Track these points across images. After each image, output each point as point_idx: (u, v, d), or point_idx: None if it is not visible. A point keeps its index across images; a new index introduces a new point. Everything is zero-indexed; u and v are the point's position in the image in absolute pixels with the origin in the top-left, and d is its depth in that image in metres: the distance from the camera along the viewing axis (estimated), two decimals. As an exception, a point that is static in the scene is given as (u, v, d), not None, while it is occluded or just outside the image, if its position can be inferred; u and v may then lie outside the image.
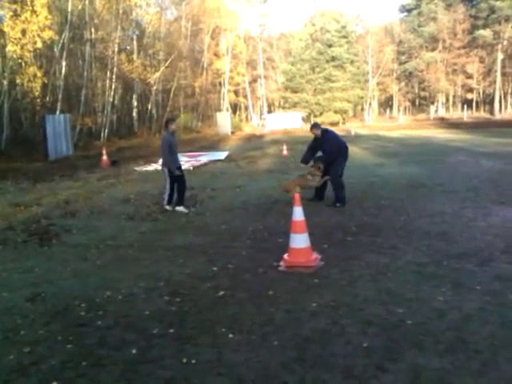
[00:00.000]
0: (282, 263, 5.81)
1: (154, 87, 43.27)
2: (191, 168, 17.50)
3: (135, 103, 42.85)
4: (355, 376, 3.36)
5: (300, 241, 5.71)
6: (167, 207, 10.02)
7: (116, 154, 25.14)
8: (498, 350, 3.59)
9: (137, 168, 18.59)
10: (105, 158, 20.61)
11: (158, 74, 42.55)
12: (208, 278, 5.55)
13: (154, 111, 44.63)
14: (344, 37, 58.31)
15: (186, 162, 19.39)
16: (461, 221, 7.86)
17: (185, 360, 3.70)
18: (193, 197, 11.23)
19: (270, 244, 6.93)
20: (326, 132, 9.96)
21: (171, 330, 4.22)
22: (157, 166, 19.03)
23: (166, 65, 43.45)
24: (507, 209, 8.63)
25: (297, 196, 5.83)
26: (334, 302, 4.67)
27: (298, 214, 5.78)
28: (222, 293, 5.07)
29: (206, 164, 19.18)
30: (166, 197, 10.04)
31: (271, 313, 4.49)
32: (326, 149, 9.73)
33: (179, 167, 10.15)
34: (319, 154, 10.06)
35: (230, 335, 4.06)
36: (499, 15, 58.01)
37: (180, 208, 9.83)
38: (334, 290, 4.98)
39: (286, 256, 5.83)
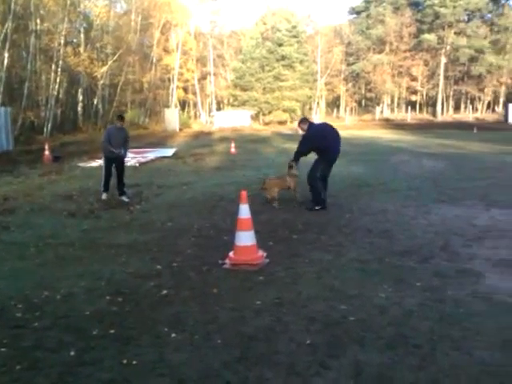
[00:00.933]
0: (227, 261, 5.77)
1: (101, 81, 42.28)
2: (137, 164, 17.21)
3: (81, 97, 41.76)
4: (298, 373, 3.36)
5: (245, 238, 5.69)
6: (103, 196, 10.58)
7: (59, 149, 24.37)
8: (437, 345, 3.67)
9: (80, 164, 18.09)
10: (47, 153, 19.92)
11: (105, 68, 41.60)
12: (151, 277, 5.44)
13: (100, 106, 43.63)
14: (294, 36, 58.77)
15: (132, 158, 19.04)
16: (403, 219, 8.05)
17: (125, 361, 3.59)
18: (138, 194, 11.04)
19: (215, 242, 6.87)
20: (309, 127, 9.02)
21: (112, 331, 4.10)
22: (100, 161, 18.60)
23: (114, 59, 42.55)
24: (447, 207, 8.91)
25: (243, 193, 5.79)
26: (278, 299, 4.67)
27: (244, 211, 5.76)
28: (165, 292, 4.97)
29: (152, 161, 18.88)
30: (102, 183, 10.76)
31: (215, 311, 4.44)
32: (299, 144, 9.06)
33: (112, 158, 10.62)
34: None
35: (173, 335, 3.98)
36: (443, 21, 60.07)
37: (121, 197, 10.55)
38: (279, 288, 4.98)
39: (231, 254, 5.79)
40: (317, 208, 8.68)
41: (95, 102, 43.11)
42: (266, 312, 4.38)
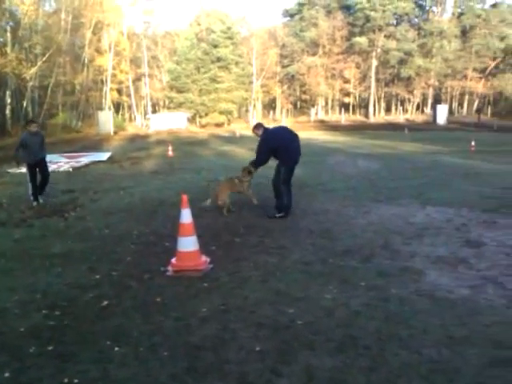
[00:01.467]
0: (169, 268, 5.60)
1: (30, 83, 40.61)
2: (71, 169, 16.59)
3: (9, 100, 39.89)
4: (250, 382, 3.28)
5: (188, 244, 5.54)
6: (34, 204, 10.31)
7: (-14, 154, 23.13)
8: (385, 345, 3.70)
9: (10, 170, 17.20)
10: (-28, 158, 18.89)
11: (34, 69, 39.96)
12: (90, 288, 5.19)
13: (29, 109, 41.85)
14: (229, 38, 58.83)
15: (65, 163, 18.39)
16: (343, 219, 8.15)
17: (66, 380, 3.39)
18: (73, 200, 10.60)
19: (156, 248, 6.67)
20: (264, 132, 8.52)
21: (50, 348, 3.85)
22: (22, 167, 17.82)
23: (44, 59, 40.94)
24: (384, 206, 9.11)
25: (184, 198, 5.64)
26: (224, 305, 4.57)
27: (186, 216, 5.60)
28: (105, 303, 4.75)
29: (87, 165, 18.27)
30: (29, 192, 10.57)
31: (159, 321, 4.28)
32: (257, 149, 8.49)
33: (34, 163, 10.56)
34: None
35: (116, 348, 3.79)
36: (373, 24, 61.98)
37: (41, 197, 10.60)
38: (224, 294, 4.88)
39: (173, 260, 5.63)
40: (277, 216, 8.22)
41: (24, 105, 41.33)
42: (212, 320, 4.27)
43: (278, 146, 8.27)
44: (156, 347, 3.79)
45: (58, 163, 18.37)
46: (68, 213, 9.37)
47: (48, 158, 19.65)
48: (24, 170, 17.10)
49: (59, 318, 4.42)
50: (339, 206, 9.16)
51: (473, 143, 21.16)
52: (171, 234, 7.00)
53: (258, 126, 8.80)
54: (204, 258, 5.72)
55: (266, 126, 8.92)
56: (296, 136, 8.69)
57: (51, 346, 3.88)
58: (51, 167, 17.20)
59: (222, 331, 4.04)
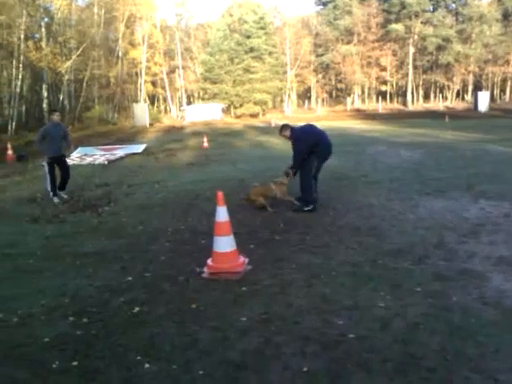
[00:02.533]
0: (205, 269, 5.21)
1: (66, 77, 40.96)
2: (106, 162, 16.44)
3: (45, 94, 40.33)
4: (296, 411, 2.84)
5: (224, 244, 5.13)
6: (55, 200, 9.91)
7: (24, 148, 23.30)
8: (452, 367, 3.20)
9: (46, 163, 17.19)
10: (10, 152, 19.00)
11: (69, 63, 40.27)
12: (121, 291, 4.85)
13: (66, 102, 42.25)
14: (262, 28, 58.08)
15: (100, 156, 18.29)
16: (389, 214, 7.60)
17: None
18: (107, 194, 10.36)
19: (191, 246, 6.29)
20: (292, 132, 8.23)
21: (75, 363, 3.50)
22: (69, 160, 17.79)
23: (78, 53, 41.21)
24: (433, 200, 8.50)
25: (220, 194, 5.22)
26: (265, 314, 4.14)
27: (222, 214, 5.18)
28: (137, 309, 4.39)
29: (122, 158, 18.11)
30: (48, 188, 10.12)
31: (195, 332, 3.88)
32: (294, 150, 8.14)
33: (56, 157, 10.16)
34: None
35: (146, 365, 3.40)
36: (410, 10, 60.22)
37: (61, 192, 10.16)
38: (265, 300, 4.45)
39: (209, 261, 5.23)
40: (306, 209, 7.87)
41: (61, 98, 41.75)
42: (253, 331, 3.85)
43: (315, 141, 8.11)
44: (190, 364, 3.39)
45: (94, 156, 18.30)
46: (102, 208, 9.11)
47: (83, 150, 19.82)
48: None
49: (87, 327, 4.07)
50: (384, 200, 8.60)
51: (520, 130, 20.11)
52: (207, 231, 6.64)
53: (285, 127, 8.40)
54: (242, 259, 5.29)
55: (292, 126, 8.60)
56: (323, 130, 8.64)
57: (76, 360, 3.53)
58: (86, 160, 17.21)
59: (264, 345, 3.61)
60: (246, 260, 5.36)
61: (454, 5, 64.57)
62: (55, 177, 10.20)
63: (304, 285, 4.78)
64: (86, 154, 18.72)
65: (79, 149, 20.04)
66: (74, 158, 18.14)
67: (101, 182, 12.00)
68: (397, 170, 12.20)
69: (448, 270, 5.04)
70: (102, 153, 19.00)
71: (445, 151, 15.99)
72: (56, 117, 10.23)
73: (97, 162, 16.63)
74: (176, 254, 5.98)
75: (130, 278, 5.20)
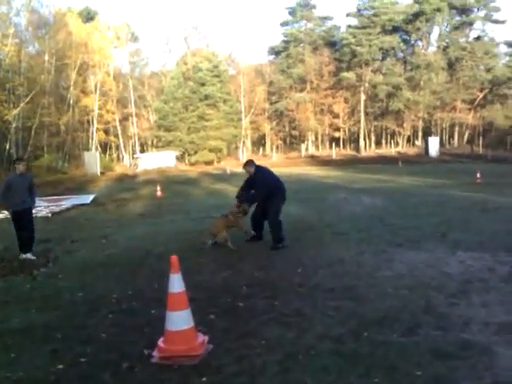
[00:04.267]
0: (155, 353, 4.22)
1: (14, 125, 39.41)
2: (49, 215, 15.18)
3: (-10, 142, 38.64)
4: None
5: (179, 320, 4.18)
6: (23, 257, 8.81)
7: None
8: None
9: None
10: None
11: (16, 111, 38.86)
12: (47, 387, 3.80)
13: (12, 151, 40.44)
14: (216, 76, 58.37)
15: (44, 207, 16.98)
16: (364, 271, 6.83)
17: None
18: (45, 252, 9.19)
19: (139, 319, 5.28)
20: (258, 170, 8.94)
21: None
22: (8, 213, 16.42)
23: (27, 101, 39.88)
24: (407, 252, 7.82)
25: (174, 259, 4.29)
26: (233, 420, 3.20)
27: (176, 283, 4.24)
28: (64, 416, 3.36)
29: (68, 209, 16.87)
30: (19, 245, 9.02)
31: None
32: (256, 189, 8.81)
33: (22, 210, 9.00)
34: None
35: None
36: (360, 59, 62.05)
37: (25, 255, 8.86)
38: (232, 396, 3.51)
39: (160, 342, 4.25)
40: (279, 246, 8.39)
41: (7, 147, 39.98)
42: None
43: (275, 184, 8.83)
44: None
45: (37, 208, 16.92)
46: (38, 269, 7.96)
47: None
48: (0, 215, 15.81)
49: None
50: (355, 254, 7.84)
51: (478, 175, 20.11)
52: (158, 297, 5.68)
53: (250, 162, 9.08)
54: (201, 338, 4.33)
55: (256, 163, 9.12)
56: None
57: None
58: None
59: None
60: (206, 338, 4.41)
61: (402, 53, 67.00)
62: (23, 232, 8.99)
63: (278, 371, 3.86)
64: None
65: (22, 200, 18.67)
66: (16, 210, 16.78)
67: (41, 238, 10.75)
68: (362, 218, 11.59)
69: (446, 343, 4.25)
70: (46, 204, 17.67)
71: (406, 197, 15.63)
72: (22, 166, 9.18)
73: (39, 214, 15.33)
74: (120, 330, 4.96)
75: (60, 367, 4.16)
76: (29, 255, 8.85)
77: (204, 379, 3.77)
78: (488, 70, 62.77)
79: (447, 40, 65.69)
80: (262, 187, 8.70)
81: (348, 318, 4.95)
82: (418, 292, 5.70)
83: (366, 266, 7.05)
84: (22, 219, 9.01)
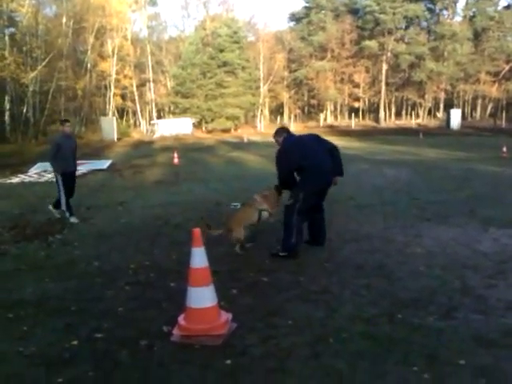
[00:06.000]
0: (175, 331, 3.95)
1: (30, 88, 39.19)
2: (66, 180, 14.95)
3: (8, 105, 38.47)
4: None
5: (202, 297, 3.89)
6: (72, 220, 8.77)
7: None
8: None
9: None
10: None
11: (34, 74, 38.55)
12: (61, 364, 3.56)
13: (29, 114, 40.36)
14: (236, 42, 57.26)
15: (61, 172, 16.77)
16: (394, 247, 6.48)
17: None
18: (61, 219, 8.96)
19: (158, 292, 5.02)
20: (284, 141, 6.41)
21: None
22: (25, 177, 16.30)
23: (44, 64, 39.52)
24: (436, 228, 7.46)
25: (196, 232, 3.98)
26: (261, 410, 2.92)
27: (199, 258, 3.94)
28: (78, 398, 3.12)
29: (84, 175, 16.63)
30: (63, 208, 8.92)
31: None
32: (277, 166, 6.39)
33: (68, 172, 9.07)
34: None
35: None
36: (383, 27, 60.33)
37: (52, 209, 9.06)
38: (260, 383, 3.23)
39: (181, 319, 3.98)
40: (280, 254, 6.02)
41: (24, 111, 39.89)
42: None
43: (299, 162, 6.12)
44: None
45: (53, 172, 16.78)
46: (53, 236, 7.74)
47: (43, 166, 18.27)
48: (16, 179, 15.68)
49: None
50: (383, 228, 7.49)
51: (504, 149, 19.46)
52: (177, 269, 5.45)
53: (280, 131, 6.58)
54: (224, 316, 4.05)
55: (291, 132, 6.71)
56: (332, 150, 6.44)
57: None
58: (45, 177, 15.74)
59: None
60: (230, 316, 4.12)
61: (426, 23, 65.07)
62: (69, 195, 9.06)
63: (308, 355, 3.57)
64: (45, 171, 17.19)
65: (38, 164, 18.55)
66: (32, 174, 16.65)
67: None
68: (386, 191, 11.20)
69: (488, 329, 3.92)
70: (64, 169, 17.48)
71: (430, 170, 15.16)
72: (67, 128, 9.24)
73: (55, 179, 15.14)
74: (138, 304, 4.71)
75: (75, 343, 3.91)
76: (73, 219, 8.88)
77: (228, 362, 3.50)
78: (515, 41, 60.77)
79: (474, 9, 63.48)
80: (279, 164, 6.29)
81: (379, 298, 4.64)
82: (453, 271, 5.35)
83: (394, 242, 6.70)
84: (69, 182, 9.04)
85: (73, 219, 8.80)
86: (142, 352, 3.73)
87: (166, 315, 4.32)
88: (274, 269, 5.63)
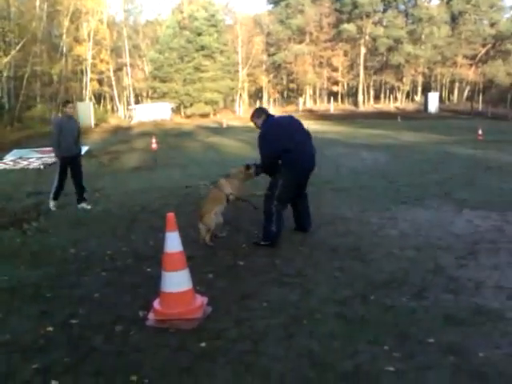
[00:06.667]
0: (150, 315, 3.98)
1: (5, 74, 38.33)
2: (41, 167, 14.79)
3: (-19, 91, 37.69)
4: None
5: (177, 282, 3.91)
6: (51, 204, 8.54)
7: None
8: None
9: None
10: None
11: (7, 59, 37.69)
12: (35, 351, 3.56)
13: (4, 101, 39.52)
14: (213, 25, 56.69)
15: (36, 159, 16.60)
16: (368, 229, 6.58)
17: None
18: (38, 205, 8.89)
19: (134, 277, 5.03)
20: (265, 122, 6.12)
21: None
22: (0, 164, 16.06)
23: (18, 49, 38.65)
24: (411, 210, 7.58)
25: (170, 216, 3.99)
26: (235, 390, 2.98)
27: (173, 242, 3.95)
28: (52, 384, 3.13)
29: (61, 161, 16.45)
30: (52, 189, 8.63)
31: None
32: (259, 150, 6.11)
33: (70, 157, 8.57)
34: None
35: None
36: (361, 11, 60.23)
37: (81, 205, 8.66)
38: (232, 364, 3.27)
39: (156, 304, 4.00)
40: (262, 243, 5.86)
41: (-1, 97, 39.09)
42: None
43: (278, 147, 5.83)
44: None
45: (29, 159, 16.58)
46: (29, 223, 7.67)
47: (18, 153, 18.02)
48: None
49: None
50: (358, 211, 7.58)
51: (480, 132, 19.73)
52: (154, 255, 5.46)
53: (258, 112, 6.26)
54: (199, 300, 4.08)
55: (270, 112, 6.41)
56: (307, 133, 6.25)
57: None
58: (20, 164, 15.52)
59: None
60: (205, 300, 4.16)
61: (404, 6, 65.19)
62: (64, 181, 8.62)
63: (282, 336, 3.63)
64: (20, 158, 16.98)
65: (14, 151, 18.29)
66: (7, 161, 16.41)
67: (33, 190, 10.49)
68: (363, 175, 11.31)
69: (458, 308, 4.03)
70: (40, 155, 17.28)
71: (408, 153, 15.30)
72: (69, 109, 8.83)
73: (31, 166, 14.97)
74: (114, 290, 4.72)
75: (50, 329, 3.91)
76: (84, 205, 8.64)
77: (203, 344, 3.54)
78: (492, 25, 61.13)
79: (451, -8, 63.76)
80: (261, 147, 6.01)
81: (353, 280, 4.72)
82: (426, 253, 5.47)
83: (369, 224, 6.80)
84: (72, 167, 8.61)
85: (52, 204, 8.55)
86: (117, 337, 3.75)
87: (142, 300, 4.35)
88: (250, 253, 5.68)
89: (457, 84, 64.72)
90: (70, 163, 8.57)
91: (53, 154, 17.00)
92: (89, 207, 8.62)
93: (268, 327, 3.78)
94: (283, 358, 3.32)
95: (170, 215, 3.98)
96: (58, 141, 8.36)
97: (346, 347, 3.44)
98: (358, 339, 3.55)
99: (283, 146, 5.83)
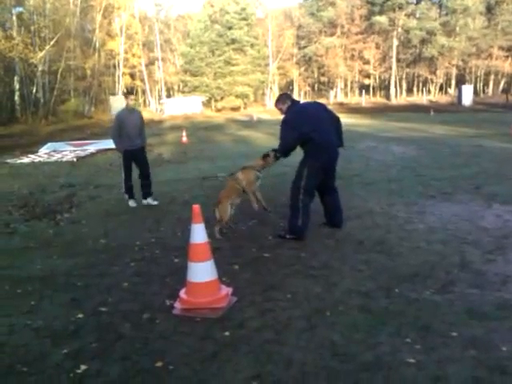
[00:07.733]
0: (176, 304, 4.08)
1: (40, 68, 39.24)
2: (75, 159, 15.14)
3: (17, 86, 38.60)
4: None
5: (202, 272, 4.00)
6: (130, 203, 8.38)
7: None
8: None
9: (9, 160, 15.82)
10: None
11: (42, 54, 38.55)
12: (66, 337, 3.70)
13: (39, 95, 40.50)
14: (244, 19, 56.81)
15: (70, 152, 16.99)
16: (395, 223, 6.55)
17: None
18: (69, 198, 9.14)
19: (162, 268, 5.16)
20: (288, 108, 6.02)
21: None
22: (35, 157, 16.48)
23: (52, 43, 39.48)
24: (440, 204, 7.49)
25: (196, 208, 4.08)
26: (256, 378, 3.04)
27: (198, 234, 4.04)
28: (82, 368, 3.25)
29: (93, 154, 16.81)
30: (123, 189, 8.58)
31: (158, 412, 2.77)
32: (280, 136, 6.01)
33: (132, 150, 8.32)
34: None
35: None
36: (394, 2, 59.37)
37: (146, 201, 8.45)
38: (256, 353, 3.34)
39: (182, 293, 4.10)
40: (287, 237, 5.85)
41: (34, 91, 40.01)
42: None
43: (303, 133, 5.74)
44: None
45: (63, 152, 16.99)
46: (61, 214, 7.91)
47: (52, 146, 18.46)
48: (26, 159, 15.84)
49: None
50: (385, 205, 7.55)
51: (514, 125, 19.25)
52: (182, 246, 5.55)
53: (283, 98, 6.17)
54: (225, 290, 4.16)
55: (296, 99, 6.38)
56: (334, 120, 6.14)
57: None
58: (54, 157, 15.90)
59: None
60: (230, 290, 4.24)
61: (437, -3, 64.04)
62: (131, 176, 8.47)
63: (305, 327, 3.68)
64: (54, 150, 17.40)
65: (48, 144, 18.74)
66: (42, 154, 16.83)
67: (65, 183, 10.77)
68: (392, 168, 11.20)
69: (482, 302, 4.00)
70: (73, 149, 17.70)
71: (439, 147, 15.06)
72: (131, 101, 8.42)
73: (65, 159, 15.34)
74: (142, 279, 4.84)
75: (80, 316, 4.06)
76: (149, 200, 8.43)
77: (227, 333, 3.62)
78: (530, 15, 59.52)
79: (487, -18, 62.21)
80: (284, 132, 5.87)
81: (378, 273, 4.72)
82: (453, 247, 5.42)
83: (396, 218, 6.76)
84: (137, 160, 8.44)
85: (131, 203, 8.36)
86: (144, 324, 3.86)
87: (169, 290, 4.46)
88: (275, 245, 5.73)
89: (492, 76, 63.20)
90: (133, 156, 8.37)
91: (85, 147, 17.45)
92: (155, 203, 8.36)
93: (291, 318, 3.84)
94: (305, 348, 3.37)
95: (196, 207, 4.06)
96: (118, 135, 8.18)
97: (368, 339, 3.47)
98: (381, 331, 3.57)
99: (305, 134, 5.75)
